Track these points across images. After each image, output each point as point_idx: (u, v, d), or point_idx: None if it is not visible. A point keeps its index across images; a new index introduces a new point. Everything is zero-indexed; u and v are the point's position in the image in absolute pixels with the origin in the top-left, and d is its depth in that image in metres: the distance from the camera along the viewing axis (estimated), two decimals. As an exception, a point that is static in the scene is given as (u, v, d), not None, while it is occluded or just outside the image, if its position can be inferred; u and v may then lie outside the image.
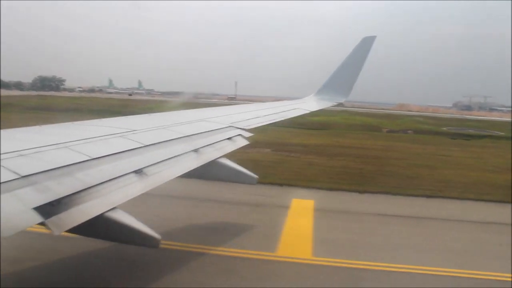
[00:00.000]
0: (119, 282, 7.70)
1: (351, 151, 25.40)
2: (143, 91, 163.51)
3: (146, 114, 8.09)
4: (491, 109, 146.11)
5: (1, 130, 4.71)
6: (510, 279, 8.44)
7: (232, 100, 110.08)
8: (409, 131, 42.18)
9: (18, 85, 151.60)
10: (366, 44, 13.61)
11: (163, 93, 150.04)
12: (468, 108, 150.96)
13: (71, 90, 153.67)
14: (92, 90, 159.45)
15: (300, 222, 11.64)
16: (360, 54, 13.60)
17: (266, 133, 30.22)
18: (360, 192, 15.43)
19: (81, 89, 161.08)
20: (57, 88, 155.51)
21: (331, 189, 15.62)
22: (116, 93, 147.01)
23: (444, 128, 47.69)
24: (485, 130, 48.45)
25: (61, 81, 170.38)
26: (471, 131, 45.98)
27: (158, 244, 4.13)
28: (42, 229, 3.22)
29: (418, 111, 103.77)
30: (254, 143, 25.00)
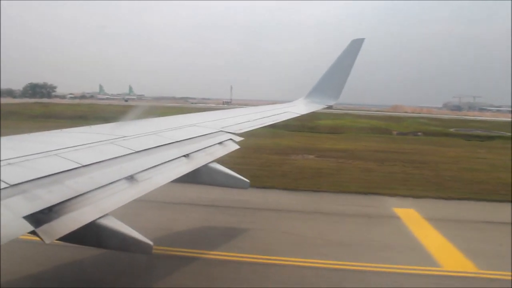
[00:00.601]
0: None
1: (391, 156, 25.12)
2: (135, 97, 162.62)
3: (136, 120, 8.06)
4: (481, 109, 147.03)
5: None
6: None
7: (228, 104, 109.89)
8: (419, 133, 42.13)
9: (10, 93, 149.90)
10: (355, 46, 13.73)
11: (154, 98, 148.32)
12: (458, 108, 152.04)
13: (63, 96, 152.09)
14: (83, 97, 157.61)
15: (426, 233, 11.42)
16: (349, 57, 13.72)
17: (290, 138, 30.81)
18: (445, 198, 15.26)
19: (72, 95, 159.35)
20: (48, 95, 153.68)
21: (415, 197, 15.39)
22: (107, 99, 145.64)
23: (451, 130, 47.48)
24: (491, 131, 47.92)
25: (53, 88, 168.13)
26: (479, 132, 45.69)
27: (150, 250, 4.12)
28: (33, 238, 3.19)
29: (412, 112, 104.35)
30: (291, 149, 25.93)
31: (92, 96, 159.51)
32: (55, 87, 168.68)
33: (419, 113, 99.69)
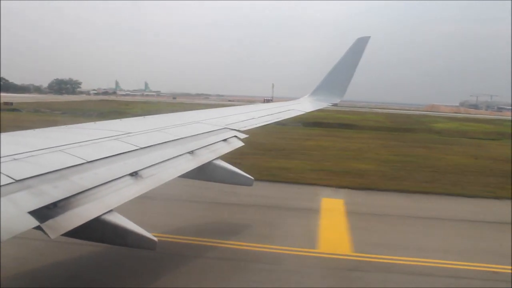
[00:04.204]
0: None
1: None
2: (154, 93, 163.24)
3: (141, 117, 8.08)
4: (499, 108, 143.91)
5: None
6: None
7: (269, 102, 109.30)
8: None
9: (38, 89, 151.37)
10: (360, 44, 13.68)
11: (172, 95, 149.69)
12: (475, 107, 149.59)
13: (87, 93, 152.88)
14: (106, 93, 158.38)
15: None
16: (354, 55, 13.67)
17: (478, 147, 29.07)
18: None
19: (95, 91, 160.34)
20: (73, 91, 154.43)
21: None
22: (127, 95, 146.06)
23: None
24: None
25: (78, 83, 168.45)
26: None
27: (155, 246, 4.12)
28: (39, 233, 3.20)
29: (450, 112, 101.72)
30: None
31: (114, 92, 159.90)
32: (80, 83, 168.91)
33: (462, 113, 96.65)
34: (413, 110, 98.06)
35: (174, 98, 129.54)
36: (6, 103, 58.64)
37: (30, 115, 45.09)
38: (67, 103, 72.59)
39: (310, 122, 44.00)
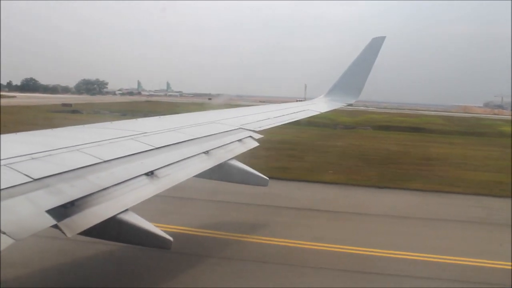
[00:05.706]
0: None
1: None
2: (177, 93, 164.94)
3: (157, 117, 8.13)
4: None
5: (14, 134, 4.74)
6: None
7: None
8: None
9: (65, 89, 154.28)
10: (376, 44, 13.50)
11: (195, 95, 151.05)
12: (501, 107, 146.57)
13: (113, 93, 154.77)
14: (131, 93, 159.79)
15: None
16: (369, 55, 13.50)
17: None
18: None
19: (120, 92, 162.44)
20: (99, 91, 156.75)
21: None
22: (150, 95, 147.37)
23: None
24: None
25: (104, 84, 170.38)
26: None
27: (170, 245, 4.11)
28: (55, 232, 3.21)
29: (487, 114, 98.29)
30: None
31: (139, 93, 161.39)
32: (106, 84, 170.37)
33: (496, 115, 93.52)
34: (442, 111, 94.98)
35: (209, 98, 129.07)
36: (65, 104, 56.73)
37: (96, 117, 39.59)
38: (114, 103, 69.44)
39: (379, 126, 43.53)
